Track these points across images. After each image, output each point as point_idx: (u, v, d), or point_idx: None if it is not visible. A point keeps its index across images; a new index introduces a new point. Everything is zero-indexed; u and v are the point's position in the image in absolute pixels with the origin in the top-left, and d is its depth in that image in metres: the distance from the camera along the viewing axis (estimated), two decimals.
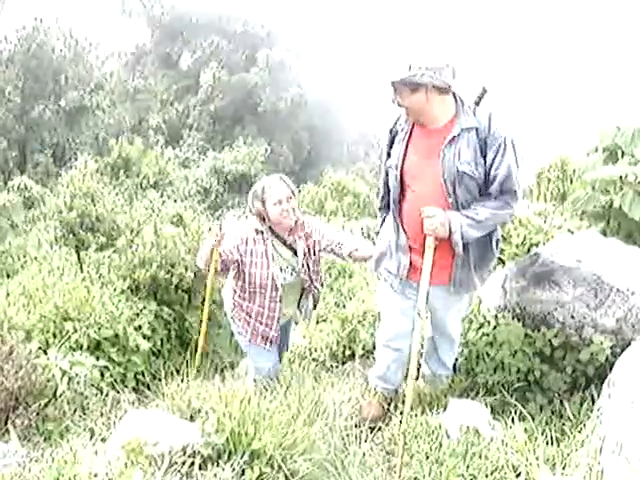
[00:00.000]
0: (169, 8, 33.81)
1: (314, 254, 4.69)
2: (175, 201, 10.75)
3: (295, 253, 4.62)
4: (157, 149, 23.16)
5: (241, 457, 3.27)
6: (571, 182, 7.97)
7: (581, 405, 4.27)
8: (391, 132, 3.88)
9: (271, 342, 4.77)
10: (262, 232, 4.51)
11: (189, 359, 5.41)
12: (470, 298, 4.39)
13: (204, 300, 5.09)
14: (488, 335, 4.66)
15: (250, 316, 4.71)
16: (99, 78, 23.41)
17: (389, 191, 3.96)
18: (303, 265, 4.64)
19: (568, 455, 3.64)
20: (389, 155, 3.89)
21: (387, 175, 3.95)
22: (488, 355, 4.59)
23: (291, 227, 4.54)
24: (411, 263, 3.93)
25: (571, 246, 4.69)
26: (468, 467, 3.70)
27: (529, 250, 5.60)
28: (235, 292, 4.74)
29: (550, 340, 4.44)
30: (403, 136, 3.78)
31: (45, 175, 21.22)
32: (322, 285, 5.01)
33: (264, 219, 4.51)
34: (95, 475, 2.37)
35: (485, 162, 3.57)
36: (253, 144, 26.37)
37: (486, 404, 4.35)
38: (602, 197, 6.65)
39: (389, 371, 4.40)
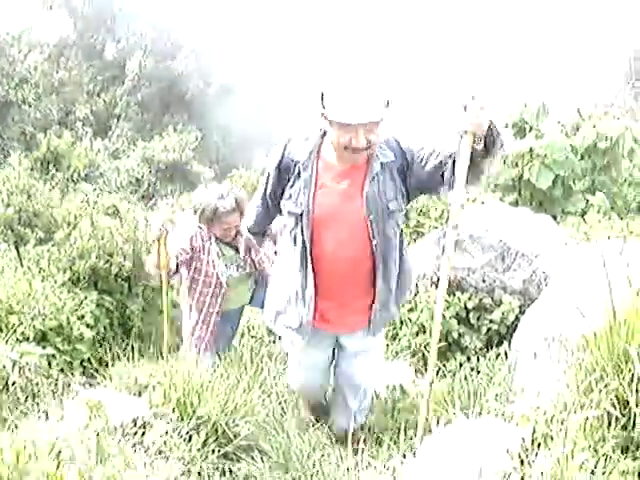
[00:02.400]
0: None
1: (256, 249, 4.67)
2: (110, 192, 10.87)
3: (237, 251, 4.68)
4: (86, 141, 22.97)
5: (188, 424, 3.58)
6: None
7: (496, 360, 4.72)
8: (280, 169, 3.31)
9: (205, 347, 4.87)
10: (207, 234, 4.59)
11: (132, 344, 5.66)
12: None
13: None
14: (410, 302, 5.08)
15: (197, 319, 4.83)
16: (23, 72, 23.01)
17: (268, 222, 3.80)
18: (246, 261, 4.70)
19: (482, 404, 4.07)
20: (281, 195, 3.36)
21: (271, 210, 3.56)
22: (410, 320, 5.01)
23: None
24: (320, 312, 3.45)
25: (480, 217, 5.14)
26: (396, 420, 4.11)
27: (446, 223, 6.05)
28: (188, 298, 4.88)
29: (465, 303, 4.89)
30: (309, 176, 3.22)
31: None
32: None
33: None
34: (58, 437, 2.65)
35: (410, 178, 3.25)
36: (183, 132, 26.34)
37: (410, 364, 4.77)
38: (512, 170, 7.15)
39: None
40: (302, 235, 3.25)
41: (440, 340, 4.96)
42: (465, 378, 4.56)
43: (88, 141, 23.61)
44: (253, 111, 35.76)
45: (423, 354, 4.87)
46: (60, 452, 2.50)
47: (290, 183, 3.27)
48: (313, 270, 3.32)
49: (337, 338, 3.65)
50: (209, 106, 33.42)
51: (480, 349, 4.88)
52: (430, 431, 3.13)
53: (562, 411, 2.87)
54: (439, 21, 45.31)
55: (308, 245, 3.26)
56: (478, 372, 4.69)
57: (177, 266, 4.63)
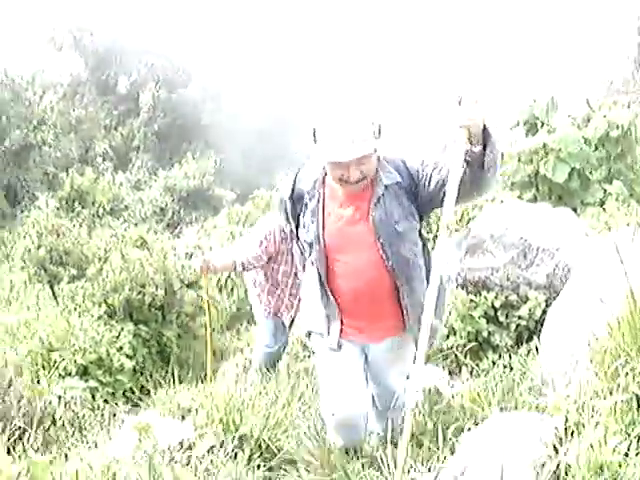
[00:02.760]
0: (99, 36, 33.92)
1: None
2: (135, 224, 11.06)
3: None
4: (108, 176, 23.35)
5: (232, 442, 3.71)
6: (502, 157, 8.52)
7: (527, 356, 4.79)
8: (294, 199, 3.33)
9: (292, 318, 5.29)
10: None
11: (171, 370, 5.82)
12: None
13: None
14: None
15: (276, 287, 5.21)
16: (40, 114, 23.53)
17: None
18: None
19: (516, 399, 4.15)
20: (297, 227, 3.38)
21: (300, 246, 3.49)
22: None
23: None
24: (348, 326, 3.44)
25: (498, 216, 5.23)
26: (434, 422, 4.20)
27: (467, 225, 6.15)
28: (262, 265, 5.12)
29: (492, 302, 4.98)
30: (315, 205, 3.26)
31: (0, 217, 21.31)
32: None
33: None
34: (111, 460, 2.78)
35: (419, 197, 3.22)
36: (202, 158, 26.67)
37: (443, 367, 4.86)
38: (528, 167, 7.23)
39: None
40: (317, 261, 3.29)
41: (469, 340, 5.11)
42: (500, 376, 4.66)
43: (110, 175, 23.96)
44: (270, 131, 36.13)
45: (455, 355, 4.96)
46: (115, 474, 2.64)
47: (302, 212, 3.30)
48: (332, 293, 3.35)
49: (367, 350, 3.55)
50: (225, 130, 33.78)
51: (511, 346, 4.96)
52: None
53: (592, 398, 2.95)
54: (441, 21, 45.41)
55: (323, 272, 3.30)
56: (511, 369, 4.77)
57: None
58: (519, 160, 7.20)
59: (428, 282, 3.12)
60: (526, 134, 7.52)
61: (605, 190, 7.44)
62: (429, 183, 3.14)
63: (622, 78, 16.59)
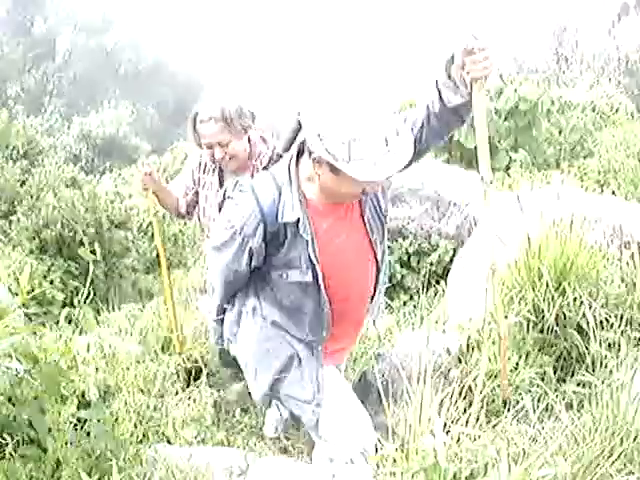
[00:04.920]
0: None
1: None
2: (60, 167, 11.04)
3: None
4: (20, 119, 22.80)
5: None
6: None
7: (435, 297, 5.40)
8: (266, 237, 2.50)
9: None
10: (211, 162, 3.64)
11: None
12: None
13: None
14: None
15: None
16: None
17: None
18: None
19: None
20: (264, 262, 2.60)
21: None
22: None
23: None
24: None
25: (416, 171, 5.78)
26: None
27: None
28: None
29: (406, 249, 5.55)
30: (309, 237, 2.50)
31: None
32: None
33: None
34: None
35: None
36: (118, 106, 26.36)
37: None
38: None
39: None
40: (318, 296, 2.61)
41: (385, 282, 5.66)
42: (409, 313, 5.25)
43: (21, 119, 23.38)
44: (187, 84, 35.84)
45: None
46: None
47: (283, 249, 2.54)
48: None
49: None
50: (143, 80, 33.34)
51: (421, 289, 5.55)
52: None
53: (490, 322, 3.53)
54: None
55: (328, 309, 2.66)
56: (420, 307, 5.37)
57: (188, 207, 3.85)
58: None
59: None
60: None
61: (511, 158, 8.16)
62: None
63: (534, 59, 17.52)
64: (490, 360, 3.29)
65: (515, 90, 8.39)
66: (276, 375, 2.66)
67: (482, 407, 2.26)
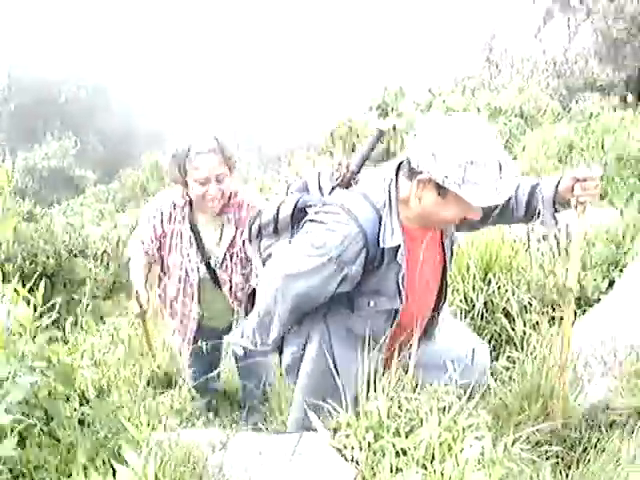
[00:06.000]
0: None
1: (244, 250, 3.47)
2: (18, 202, 11.25)
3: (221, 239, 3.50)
4: None
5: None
6: (357, 136, 9.63)
7: None
8: (367, 260, 2.36)
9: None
10: (181, 207, 3.43)
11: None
12: None
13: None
14: None
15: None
16: None
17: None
18: (225, 261, 3.50)
19: None
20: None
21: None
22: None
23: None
24: None
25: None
26: None
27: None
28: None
29: None
30: (402, 260, 2.40)
31: None
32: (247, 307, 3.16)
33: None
34: None
35: None
36: (62, 138, 26.37)
37: None
38: (380, 145, 8.38)
39: None
40: (392, 321, 2.53)
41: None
42: None
43: None
44: (130, 109, 35.91)
45: None
46: None
47: (376, 276, 2.42)
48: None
49: None
50: (85, 110, 33.37)
51: None
52: None
53: None
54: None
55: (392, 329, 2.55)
56: None
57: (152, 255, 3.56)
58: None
59: None
60: (378, 117, 8.67)
61: None
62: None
63: (466, 66, 18.21)
64: None
65: (443, 101, 9.00)
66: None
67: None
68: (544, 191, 2.58)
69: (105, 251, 10.41)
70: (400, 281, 2.42)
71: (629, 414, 2.88)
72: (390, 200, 2.36)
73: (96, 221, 14.28)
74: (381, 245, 2.33)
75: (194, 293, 3.54)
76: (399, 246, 2.35)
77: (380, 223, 2.33)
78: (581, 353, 3.20)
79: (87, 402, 2.48)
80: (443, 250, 2.61)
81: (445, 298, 2.75)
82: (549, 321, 3.86)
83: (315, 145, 10.24)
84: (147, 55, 38.81)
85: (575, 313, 3.96)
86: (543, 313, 3.87)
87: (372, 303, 2.46)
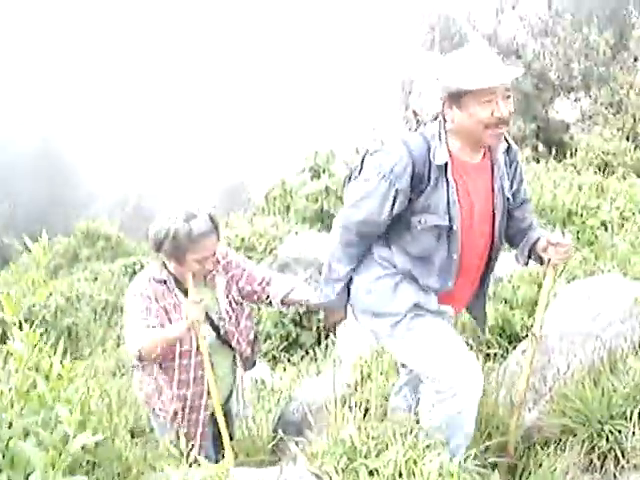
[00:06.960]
0: None
1: (238, 297, 3.50)
2: None
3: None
4: None
5: None
6: (291, 197, 10.02)
7: (326, 350, 6.20)
8: (413, 179, 2.75)
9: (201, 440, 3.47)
10: (164, 281, 3.31)
11: None
12: None
13: None
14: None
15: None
16: None
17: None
18: (227, 312, 3.44)
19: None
20: (408, 205, 2.81)
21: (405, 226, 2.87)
22: (258, 331, 6.40)
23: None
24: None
25: (295, 243, 6.69)
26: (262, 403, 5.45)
27: (270, 253, 7.55)
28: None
29: (297, 310, 6.38)
30: (452, 181, 2.79)
31: None
32: (254, 352, 3.63)
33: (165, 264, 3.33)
34: None
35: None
36: None
37: (266, 363, 6.16)
38: (315, 205, 8.85)
39: None
40: (449, 244, 2.86)
41: (281, 341, 6.45)
42: (308, 364, 6.01)
43: None
44: (45, 175, 35.53)
45: (273, 355, 6.28)
46: None
47: (425, 194, 2.78)
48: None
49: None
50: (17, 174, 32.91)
51: (314, 344, 6.35)
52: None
53: (377, 357, 4.37)
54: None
55: (457, 256, 2.89)
56: (316, 360, 6.15)
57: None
58: (307, 199, 8.80)
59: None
60: (311, 178, 9.16)
61: None
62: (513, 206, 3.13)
63: (391, 119, 18.77)
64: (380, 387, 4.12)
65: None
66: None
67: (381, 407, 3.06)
68: (525, 242, 3.12)
69: (44, 318, 10.48)
70: (450, 198, 2.78)
71: (561, 431, 3.30)
72: (440, 131, 2.80)
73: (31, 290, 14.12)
74: (431, 161, 2.75)
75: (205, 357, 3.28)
76: (446, 164, 2.77)
77: (429, 149, 2.76)
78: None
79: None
80: (493, 194, 2.95)
81: (496, 250, 3.06)
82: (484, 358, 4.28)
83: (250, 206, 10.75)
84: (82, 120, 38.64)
85: (507, 349, 4.43)
86: (480, 351, 4.28)
87: (422, 220, 2.80)
